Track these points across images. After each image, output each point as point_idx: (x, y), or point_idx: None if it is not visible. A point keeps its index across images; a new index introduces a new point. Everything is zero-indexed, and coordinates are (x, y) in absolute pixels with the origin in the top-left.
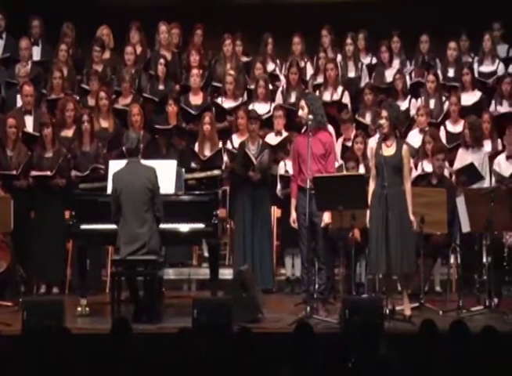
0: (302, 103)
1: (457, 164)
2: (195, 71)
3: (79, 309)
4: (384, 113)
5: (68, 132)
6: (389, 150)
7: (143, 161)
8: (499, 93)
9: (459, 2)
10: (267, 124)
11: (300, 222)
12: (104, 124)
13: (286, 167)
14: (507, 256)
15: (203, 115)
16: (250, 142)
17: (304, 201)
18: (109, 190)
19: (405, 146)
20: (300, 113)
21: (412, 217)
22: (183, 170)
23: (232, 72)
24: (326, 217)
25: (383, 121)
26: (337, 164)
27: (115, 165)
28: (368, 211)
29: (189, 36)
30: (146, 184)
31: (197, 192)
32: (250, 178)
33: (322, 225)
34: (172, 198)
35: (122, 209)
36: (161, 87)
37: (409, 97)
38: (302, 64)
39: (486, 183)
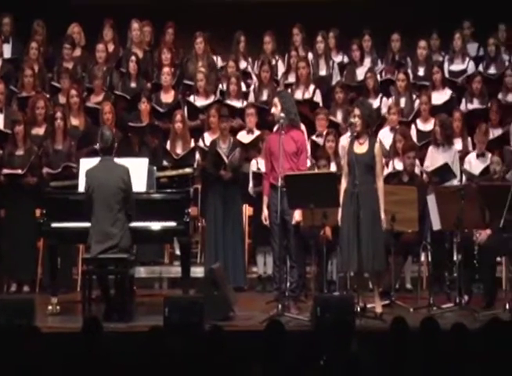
0: (275, 100)
1: (427, 163)
2: (166, 69)
3: (50, 307)
4: (357, 111)
5: (39, 130)
6: (362, 148)
7: (116, 160)
8: (470, 92)
9: (429, 1)
10: (240, 115)
11: (272, 219)
12: (75, 122)
13: (258, 165)
14: (477, 254)
15: (174, 113)
16: (222, 141)
17: (276, 199)
18: (80, 188)
19: (377, 144)
20: (273, 110)
21: (382, 215)
22: (155, 168)
23: (202, 69)
24: (297, 215)
25: (355, 120)
26: (309, 163)
27: (86, 163)
28: (340, 209)
29: (161, 34)
30: (119, 184)
31: (169, 190)
32: (222, 177)
33: (293, 222)
34: (144, 196)
35: (94, 207)
36: (133, 85)
37: (380, 96)
38: (273, 62)
39: (456, 181)
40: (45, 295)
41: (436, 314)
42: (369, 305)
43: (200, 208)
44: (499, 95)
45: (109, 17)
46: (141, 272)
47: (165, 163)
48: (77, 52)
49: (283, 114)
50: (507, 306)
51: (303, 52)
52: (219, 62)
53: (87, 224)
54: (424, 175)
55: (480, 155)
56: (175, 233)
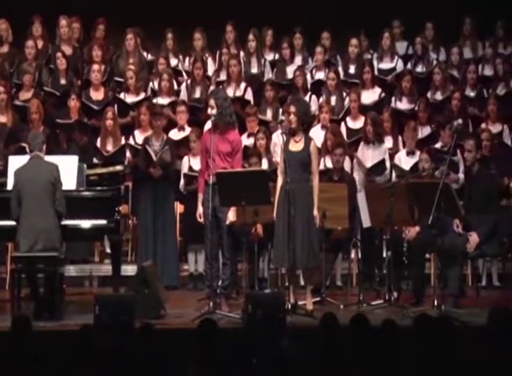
0: (211, 102)
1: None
2: (96, 66)
3: None
4: (292, 108)
5: None
6: (297, 146)
7: (46, 157)
8: (399, 90)
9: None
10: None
11: (205, 216)
12: (2, 119)
13: (189, 163)
14: (406, 251)
15: (105, 110)
16: (154, 138)
17: (209, 196)
18: (8, 186)
19: (313, 142)
20: (209, 111)
21: (315, 212)
22: (85, 165)
23: (132, 67)
24: (231, 215)
25: (291, 117)
26: None
27: (15, 161)
28: (275, 206)
29: (91, 30)
30: (50, 178)
31: (99, 188)
32: (152, 175)
33: (227, 222)
34: (73, 194)
35: (23, 203)
36: (63, 81)
37: (309, 94)
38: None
39: (387, 172)
40: None
41: (366, 311)
42: (300, 302)
43: (132, 206)
44: (428, 94)
45: (38, 13)
46: (71, 270)
47: (95, 160)
48: (5, 49)
49: (214, 111)
50: (435, 303)
51: (235, 49)
52: (149, 59)
53: (15, 223)
54: (354, 173)
55: (409, 153)
56: (106, 230)
